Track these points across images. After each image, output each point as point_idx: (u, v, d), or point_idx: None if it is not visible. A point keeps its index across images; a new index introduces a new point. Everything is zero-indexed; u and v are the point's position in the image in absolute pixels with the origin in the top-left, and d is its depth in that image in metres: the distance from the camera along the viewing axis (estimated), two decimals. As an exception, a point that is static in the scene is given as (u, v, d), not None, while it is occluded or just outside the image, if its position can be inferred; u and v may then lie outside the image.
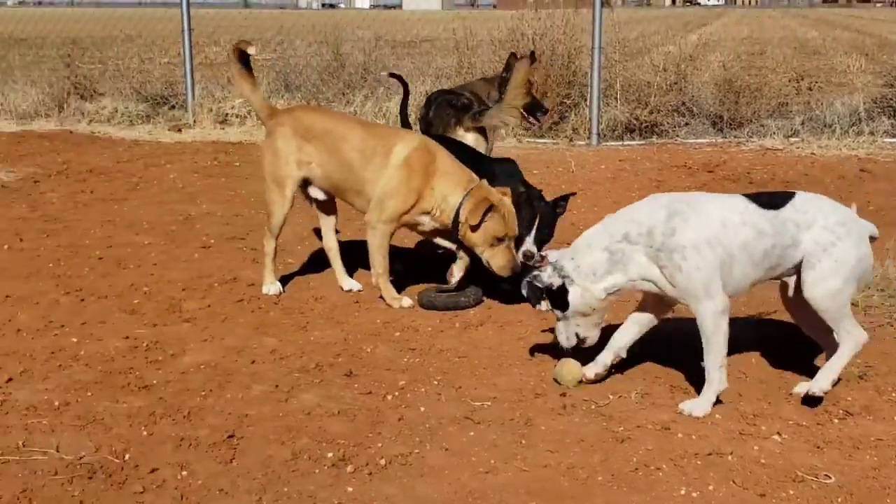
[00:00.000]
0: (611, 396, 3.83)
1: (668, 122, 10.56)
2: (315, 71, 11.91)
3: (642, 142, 10.23)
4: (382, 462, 3.28)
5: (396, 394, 3.86)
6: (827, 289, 3.69)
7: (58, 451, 3.37)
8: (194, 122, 10.96)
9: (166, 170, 8.78)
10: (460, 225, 4.77)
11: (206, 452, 3.37)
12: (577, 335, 3.92)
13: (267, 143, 5.16)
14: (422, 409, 3.72)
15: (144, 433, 3.52)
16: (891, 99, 10.83)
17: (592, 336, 3.96)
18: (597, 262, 3.76)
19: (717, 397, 3.68)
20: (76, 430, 3.54)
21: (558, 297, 3.79)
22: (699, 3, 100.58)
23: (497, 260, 4.75)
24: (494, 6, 42.96)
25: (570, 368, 3.93)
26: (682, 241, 3.65)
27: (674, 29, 26.46)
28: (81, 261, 5.74)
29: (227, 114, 11.12)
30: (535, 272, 3.91)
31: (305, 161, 5.01)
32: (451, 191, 4.80)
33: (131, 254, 5.93)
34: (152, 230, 6.54)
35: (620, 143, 10.24)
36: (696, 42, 13.83)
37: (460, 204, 4.76)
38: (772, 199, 3.87)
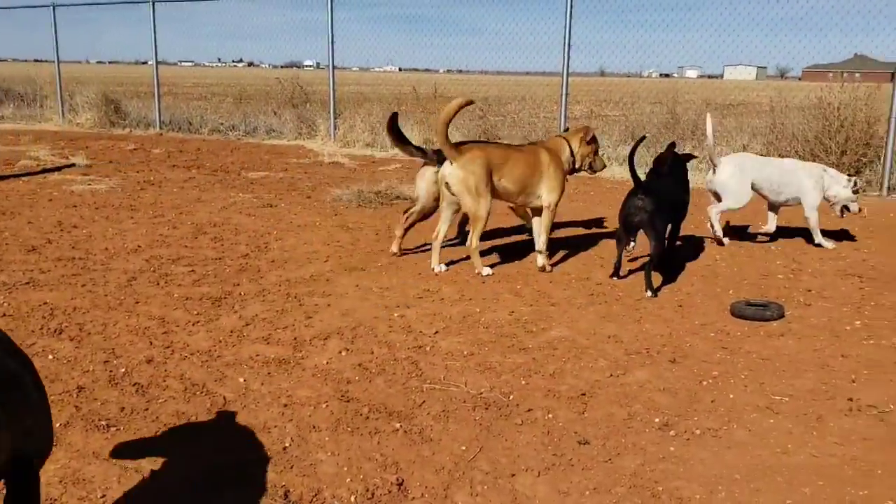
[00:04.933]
0: (892, 406, 3.42)
1: (954, 182, 9.25)
2: (655, 126, 11.63)
3: (929, 196, 9.04)
4: (697, 432, 3.16)
5: (710, 381, 3.69)
6: None
7: (465, 386, 3.58)
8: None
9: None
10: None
11: (566, 403, 3.42)
12: None
13: None
14: (730, 395, 3.52)
15: (523, 382, 3.63)
16: None
17: None
18: None
19: None
20: (478, 373, 3.73)
21: None
22: None
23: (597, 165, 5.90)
24: (800, 78, 39.64)
25: None
26: None
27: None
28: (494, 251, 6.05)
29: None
30: None
31: None
32: None
33: (516, 248, 6.17)
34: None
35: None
36: None
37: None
38: None
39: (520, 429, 3.18)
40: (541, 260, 5.64)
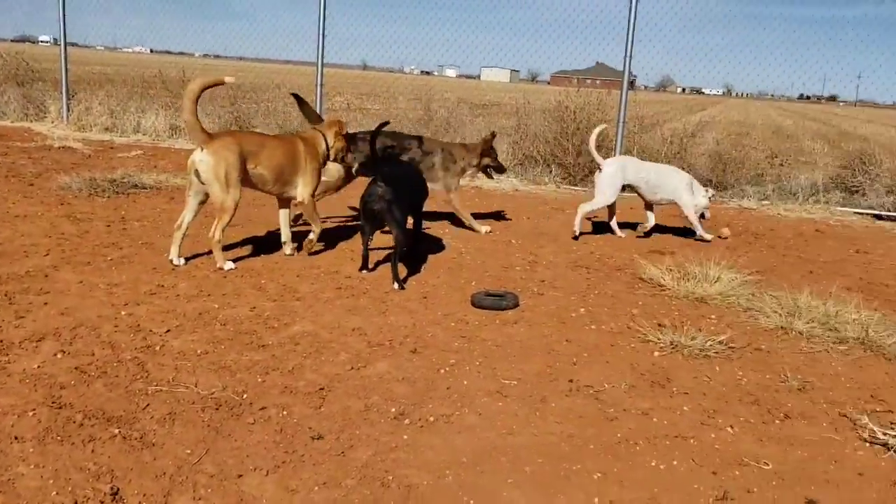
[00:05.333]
0: (606, 385, 3.76)
1: (670, 182, 10.42)
2: (410, 121, 11.92)
3: (650, 195, 10.07)
4: (431, 419, 3.26)
5: (447, 369, 3.83)
6: None
7: (196, 387, 3.42)
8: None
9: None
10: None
11: (302, 399, 3.39)
12: None
13: None
14: (465, 382, 3.68)
15: (259, 380, 3.54)
16: (844, 177, 10.54)
17: None
18: None
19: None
20: (211, 373, 3.58)
21: None
22: (703, 93, 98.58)
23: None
24: (549, 82, 42.72)
25: None
26: None
27: (681, 111, 26.05)
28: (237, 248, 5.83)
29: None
30: None
31: None
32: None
33: (260, 243, 6.01)
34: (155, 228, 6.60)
35: (634, 194, 10.06)
36: (697, 122, 13.56)
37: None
38: None
39: (251, 428, 3.09)
40: (288, 249, 5.75)
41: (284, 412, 3.24)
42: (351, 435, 3.08)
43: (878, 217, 9.31)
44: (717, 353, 4.27)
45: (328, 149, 5.71)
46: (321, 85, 10.75)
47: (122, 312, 4.27)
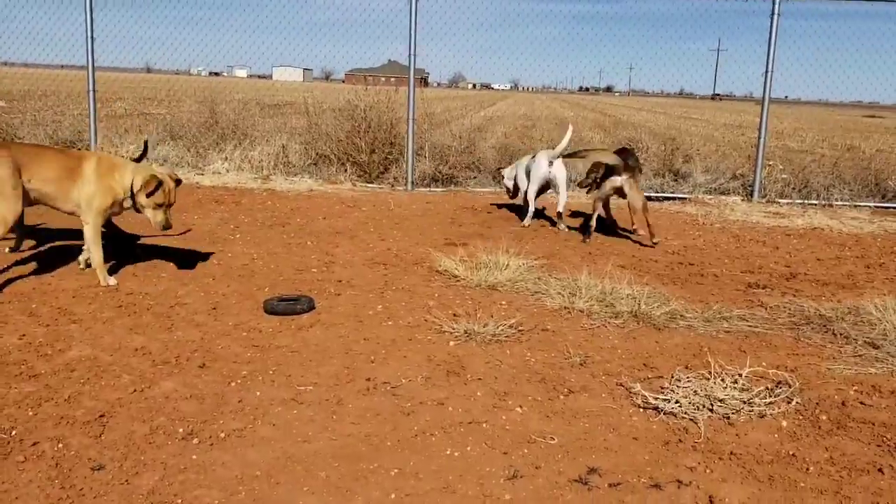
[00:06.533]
0: (403, 380, 3.82)
1: (461, 175, 10.74)
2: (195, 125, 11.46)
3: (443, 189, 10.34)
4: (222, 435, 3.16)
5: (239, 381, 3.72)
6: None
7: (-47, 430, 3.10)
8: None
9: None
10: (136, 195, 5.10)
11: (81, 429, 3.16)
12: None
13: None
14: (258, 393, 3.59)
15: (30, 413, 3.26)
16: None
17: None
18: None
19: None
20: (-29, 413, 3.26)
21: None
22: (493, 88, 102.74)
23: (157, 218, 5.14)
24: (343, 81, 42.70)
25: None
26: None
27: (472, 107, 26.93)
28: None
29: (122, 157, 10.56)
30: None
31: None
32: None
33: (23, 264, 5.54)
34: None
35: (427, 189, 10.31)
36: (485, 117, 14.09)
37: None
38: None
39: (22, 466, 2.84)
40: (101, 280, 5.21)
41: (60, 445, 3.00)
42: (136, 461, 2.92)
43: (647, 198, 10.15)
44: (507, 337, 4.47)
45: (133, 192, 5.11)
46: (94, 91, 10.07)
47: None
